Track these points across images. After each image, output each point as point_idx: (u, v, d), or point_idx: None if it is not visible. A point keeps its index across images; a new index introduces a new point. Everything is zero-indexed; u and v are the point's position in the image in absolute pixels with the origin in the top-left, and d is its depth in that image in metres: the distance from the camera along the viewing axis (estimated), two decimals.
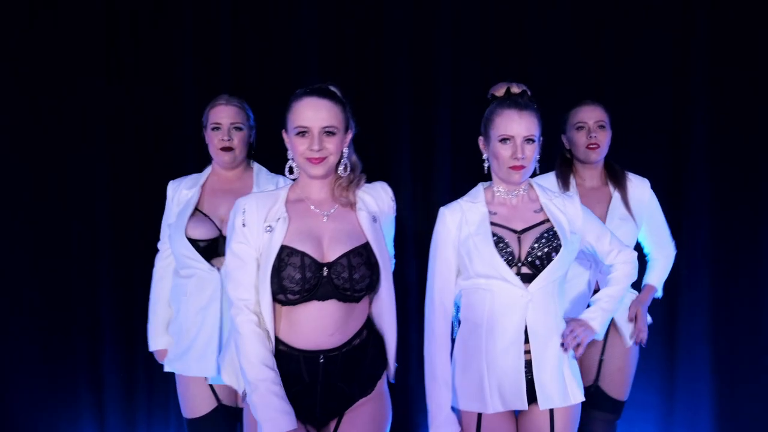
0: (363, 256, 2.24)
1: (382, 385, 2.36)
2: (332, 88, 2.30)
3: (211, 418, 2.84)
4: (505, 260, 2.38)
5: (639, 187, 3.10)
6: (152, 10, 3.91)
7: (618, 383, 3.07)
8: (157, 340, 3.03)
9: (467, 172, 3.64)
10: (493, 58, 3.94)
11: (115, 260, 3.98)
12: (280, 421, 2.14)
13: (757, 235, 3.86)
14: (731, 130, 3.89)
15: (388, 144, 3.92)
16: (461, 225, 2.44)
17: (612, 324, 2.99)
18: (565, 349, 2.41)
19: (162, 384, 3.94)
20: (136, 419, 3.99)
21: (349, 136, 2.32)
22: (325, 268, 2.20)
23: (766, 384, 3.93)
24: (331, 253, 2.23)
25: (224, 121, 2.90)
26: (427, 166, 3.96)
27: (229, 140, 2.88)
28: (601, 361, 3.06)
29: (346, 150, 2.31)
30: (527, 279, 2.38)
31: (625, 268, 2.54)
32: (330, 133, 2.24)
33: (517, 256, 2.40)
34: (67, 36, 3.89)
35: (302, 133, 2.23)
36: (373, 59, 3.94)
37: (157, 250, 3.07)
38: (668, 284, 3.29)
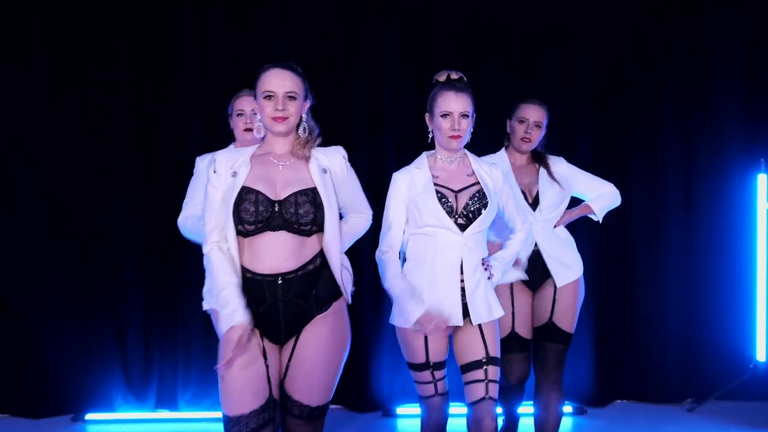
0: (309, 196, 2.51)
1: (339, 306, 2.60)
2: (293, 65, 2.60)
3: None
4: (446, 212, 2.82)
5: (557, 163, 3.54)
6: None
7: (568, 318, 3.43)
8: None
9: (409, 141, 4.37)
10: (428, 58, 4.59)
11: (138, 235, 4.52)
12: (237, 314, 2.43)
13: (624, 224, 4.57)
14: (607, 124, 4.67)
15: (347, 122, 4.57)
16: (410, 186, 2.86)
17: (561, 268, 3.41)
18: (486, 268, 2.86)
19: (171, 335, 4.55)
20: (151, 356, 4.55)
21: (308, 104, 2.61)
22: (276, 204, 2.49)
23: (635, 339, 4.73)
24: (283, 193, 2.51)
25: (246, 108, 3.34)
26: (378, 135, 4.61)
27: (250, 123, 3.31)
28: (554, 301, 3.42)
29: (305, 115, 2.60)
30: (462, 228, 2.82)
31: (521, 236, 3.01)
32: (291, 98, 2.54)
33: (455, 209, 2.83)
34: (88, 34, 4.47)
35: (269, 96, 2.53)
36: (335, 63, 4.59)
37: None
38: None
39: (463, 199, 2.86)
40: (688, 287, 4.74)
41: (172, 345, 4.57)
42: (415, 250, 2.87)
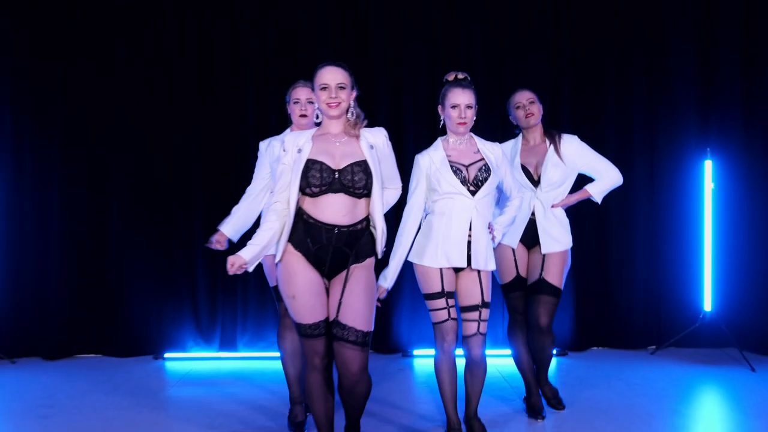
0: (361, 167, 2.90)
1: (371, 262, 2.99)
2: (342, 63, 3.00)
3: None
4: (460, 181, 3.27)
5: (568, 141, 3.79)
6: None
7: (557, 274, 3.74)
8: (226, 226, 3.62)
9: (423, 125, 4.88)
10: (438, 60, 5.21)
11: (205, 206, 5.06)
12: (245, 252, 2.89)
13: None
14: (586, 116, 5.19)
15: (373, 110, 4.98)
16: (430, 164, 3.31)
17: (548, 239, 3.74)
18: (490, 232, 3.33)
19: (231, 289, 5.16)
20: (216, 307, 5.16)
21: (354, 94, 2.98)
22: (336, 173, 2.88)
23: (608, 296, 5.26)
24: (341, 163, 2.90)
25: (302, 97, 3.60)
26: (398, 121, 5.16)
27: (305, 109, 3.59)
28: (543, 259, 3.75)
29: (352, 103, 2.97)
30: (472, 193, 3.28)
31: (515, 203, 3.46)
32: (342, 88, 2.92)
33: (467, 179, 3.28)
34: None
35: (324, 88, 2.92)
36: (365, 63, 5.12)
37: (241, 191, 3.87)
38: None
39: (473, 171, 3.31)
40: (652, 252, 5.26)
41: (232, 297, 5.17)
42: (438, 208, 3.33)
